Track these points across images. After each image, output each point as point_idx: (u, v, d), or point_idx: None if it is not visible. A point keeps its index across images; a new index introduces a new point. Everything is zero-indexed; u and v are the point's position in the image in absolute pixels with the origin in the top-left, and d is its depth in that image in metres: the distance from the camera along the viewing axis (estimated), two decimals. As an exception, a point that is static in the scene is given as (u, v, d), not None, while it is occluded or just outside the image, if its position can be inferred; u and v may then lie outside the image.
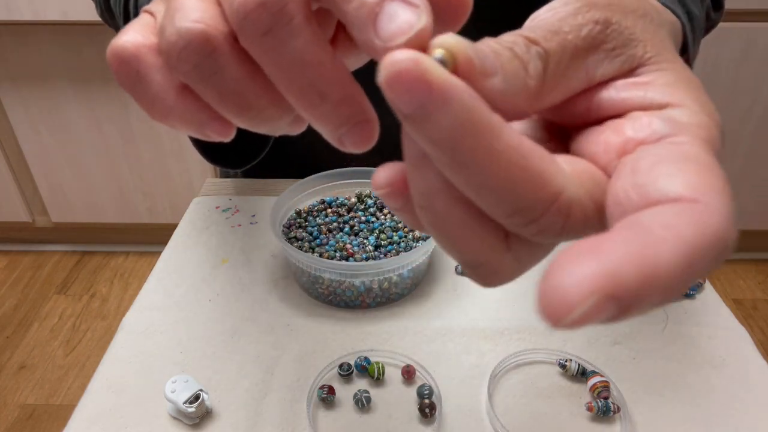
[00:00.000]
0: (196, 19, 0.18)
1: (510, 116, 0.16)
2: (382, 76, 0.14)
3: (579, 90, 0.18)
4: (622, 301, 0.13)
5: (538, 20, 0.18)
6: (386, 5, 0.15)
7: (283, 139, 0.69)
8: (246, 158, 0.55)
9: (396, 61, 0.14)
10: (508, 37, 0.17)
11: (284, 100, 0.19)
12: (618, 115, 0.18)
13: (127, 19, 0.49)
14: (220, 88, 0.19)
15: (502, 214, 0.15)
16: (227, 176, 0.78)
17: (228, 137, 0.21)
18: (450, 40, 0.15)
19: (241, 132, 0.23)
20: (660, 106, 0.17)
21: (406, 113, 0.14)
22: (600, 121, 0.18)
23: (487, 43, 0.16)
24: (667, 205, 0.14)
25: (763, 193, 1.64)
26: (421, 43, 0.15)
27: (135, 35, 0.20)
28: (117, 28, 0.54)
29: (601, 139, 0.18)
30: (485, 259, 0.17)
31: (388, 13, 0.15)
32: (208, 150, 0.55)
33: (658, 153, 0.16)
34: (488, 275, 0.18)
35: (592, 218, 0.16)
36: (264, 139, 0.55)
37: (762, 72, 1.44)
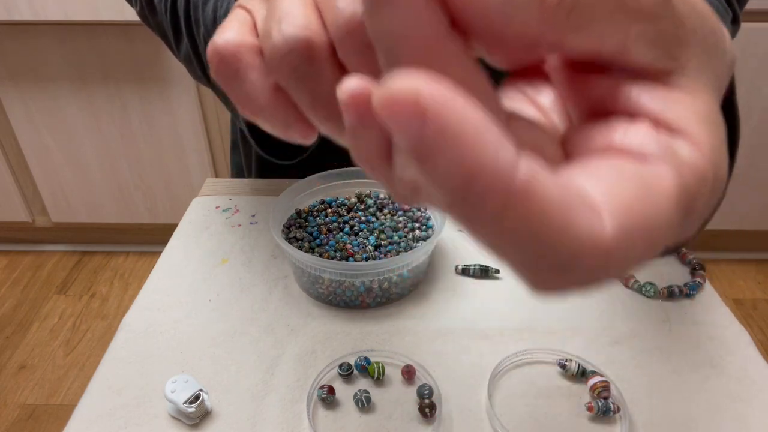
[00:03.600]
0: (302, 25, 0.18)
1: (513, 35, 0.14)
2: None
3: (608, 52, 0.15)
4: None
5: None
6: None
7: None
8: (296, 151, 0.53)
9: None
10: None
11: None
12: (628, 115, 0.16)
13: (174, 15, 0.48)
14: (314, 94, 0.19)
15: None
16: (240, 176, 0.79)
17: (310, 140, 0.21)
18: None
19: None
20: (672, 131, 0.15)
21: None
22: (608, 113, 0.17)
23: None
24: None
25: (763, 193, 1.64)
26: None
27: (235, 34, 0.20)
28: (158, 25, 0.53)
29: (590, 132, 0.16)
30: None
31: None
32: (263, 142, 0.53)
33: (623, 168, 0.15)
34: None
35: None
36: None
37: (762, 72, 1.44)
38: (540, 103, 0.19)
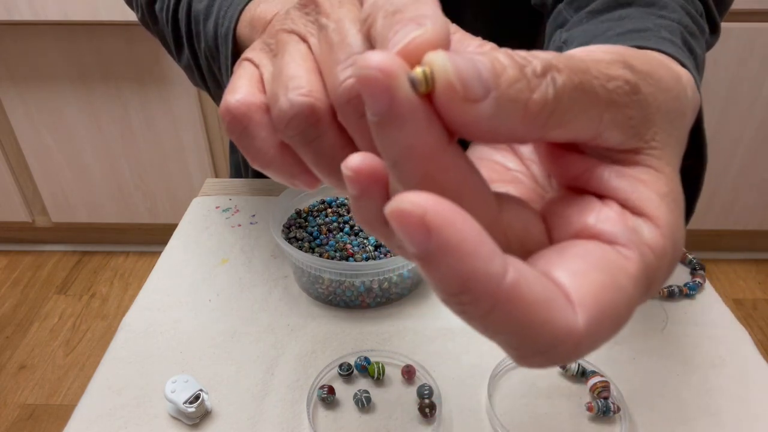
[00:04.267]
0: (306, 92, 0.20)
1: (504, 138, 0.16)
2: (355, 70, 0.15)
3: (582, 139, 0.17)
4: None
5: (569, 55, 0.17)
6: (404, 23, 0.16)
7: None
8: None
9: (368, 63, 0.14)
10: (527, 55, 0.16)
11: None
12: (600, 195, 0.18)
13: (175, 27, 0.49)
14: (318, 152, 0.21)
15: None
16: (239, 176, 0.79)
17: (314, 189, 0.24)
18: (436, 60, 0.15)
19: None
20: (638, 213, 0.18)
21: (371, 112, 0.15)
22: (581, 190, 0.19)
23: (493, 58, 0.15)
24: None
25: (763, 193, 1.64)
26: (415, 54, 0.15)
27: (245, 93, 0.22)
28: (159, 33, 0.54)
29: (567, 212, 0.18)
30: None
31: (403, 28, 0.16)
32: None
33: (593, 255, 0.17)
34: None
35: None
36: None
37: (762, 72, 1.44)
38: (521, 155, 0.22)
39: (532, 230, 0.18)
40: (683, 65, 0.24)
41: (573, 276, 0.16)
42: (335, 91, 0.20)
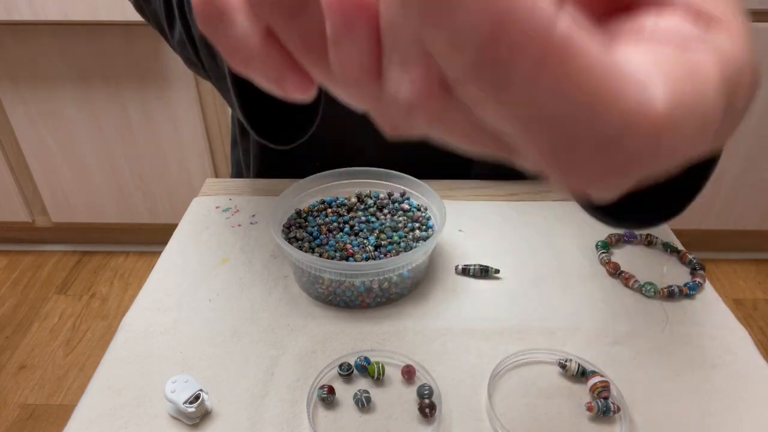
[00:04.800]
0: None
1: None
2: None
3: None
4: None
5: None
6: None
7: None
8: (294, 135, 0.51)
9: None
10: None
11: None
12: (656, 7, 0.15)
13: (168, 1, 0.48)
14: (304, 30, 0.17)
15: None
16: (239, 173, 0.79)
17: (308, 94, 0.19)
18: None
19: (288, 107, 0.20)
20: (709, 21, 0.15)
21: None
22: (634, 6, 0.15)
23: None
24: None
25: (763, 193, 1.64)
26: None
27: None
28: (153, 13, 0.53)
29: (613, 27, 0.15)
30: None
31: None
32: (258, 125, 0.52)
33: (667, 53, 0.13)
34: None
35: None
36: (312, 114, 0.50)
37: (762, 72, 1.44)
38: None
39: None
40: None
41: (648, 55, 0.12)
42: None
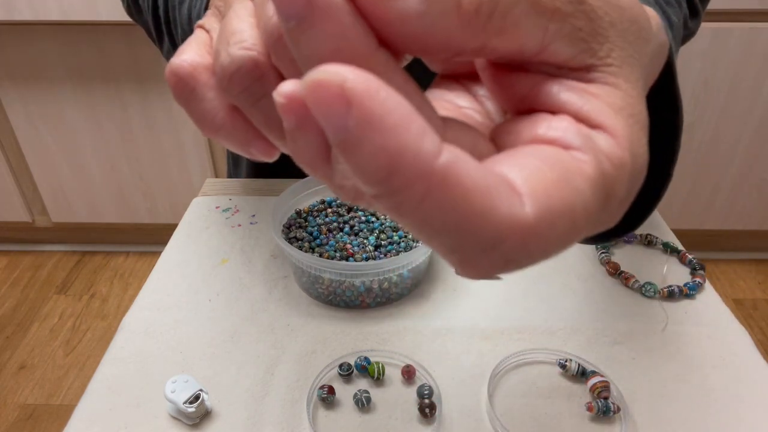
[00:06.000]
0: (248, 46, 0.19)
1: (439, 44, 0.15)
2: None
3: (529, 53, 0.16)
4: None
5: None
6: None
7: None
8: None
9: None
10: None
11: None
12: (550, 111, 0.17)
13: (155, 15, 0.50)
14: (267, 112, 0.20)
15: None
16: (237, 176, 0.79)
17: (271, 158, 0.22)
18: None
19: None
20: (592, 125, 0.16)
21: (286, 17, 0.14)
22: (530, 110, 0.17)
23: None
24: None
25: (763, 193, 1.64)
26: None
27: (192, 54, 0.21)
28: (144, 24, 0.54)
29: (517, 128, 0.17)
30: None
31: None
32: None
33: (545, 154, 0.15)
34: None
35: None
36: None
37: (762, 72, 1.44)
38: (475, 92, 0.20)
39: (480, 149, 0.17)
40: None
41: (522, 170, 0.14)
42: (266, 31, 0.18)
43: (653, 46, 0.20)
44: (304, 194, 0.59)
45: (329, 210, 0.58)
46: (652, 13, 0.21)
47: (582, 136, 0.16)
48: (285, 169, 0.72)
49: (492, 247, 0.14)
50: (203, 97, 0.21)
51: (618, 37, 0.17)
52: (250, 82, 0.19)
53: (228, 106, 0.21)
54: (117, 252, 1.86)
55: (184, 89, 0.21)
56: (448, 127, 0.17)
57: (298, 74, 0.16)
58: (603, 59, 0.17)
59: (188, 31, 0.42)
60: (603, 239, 0.35)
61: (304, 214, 0.58)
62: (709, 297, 0.53)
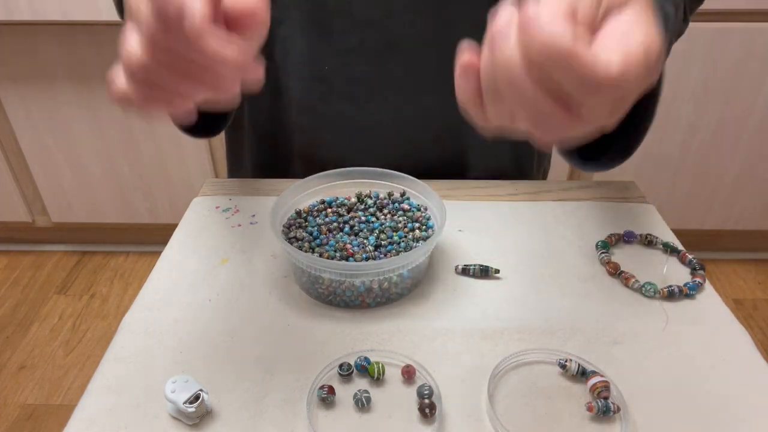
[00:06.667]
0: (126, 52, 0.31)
1: None
2: None
3: None
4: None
5: None
6: None
7: (283, 139, 0.69)
8: (210, 130, 0.61)
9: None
10: None
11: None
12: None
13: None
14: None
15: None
16: (237, 176, 0.79)
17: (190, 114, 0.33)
18: None
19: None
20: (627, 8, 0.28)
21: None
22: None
23: None
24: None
25: (763, 193, 1.64)
26: None
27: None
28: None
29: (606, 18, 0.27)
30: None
31: None
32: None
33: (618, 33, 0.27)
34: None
35: None
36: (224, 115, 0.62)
37: (762, 72, 1.44)
38: None
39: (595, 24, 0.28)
40: None
41: (607, 41, 0.26)
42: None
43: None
44: (304, 194, 0.59)
45: (329, 210, 0.58)
46: None
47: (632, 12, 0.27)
48: (285, 169, 0.72)
49: (601, 91, 0.25)
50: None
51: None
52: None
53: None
54: (117, 252, 1.86)
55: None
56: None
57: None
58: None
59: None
60: (607, 160, 0.48)
61: (304, 214, 0.58)
62: (709, 297, 0.53)
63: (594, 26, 0.26)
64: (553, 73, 0.25)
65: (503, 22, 0.25)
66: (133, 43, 0.30)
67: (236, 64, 0.28)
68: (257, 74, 0.30)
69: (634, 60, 0.25)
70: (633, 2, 0.28)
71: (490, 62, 0.26)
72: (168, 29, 0.28)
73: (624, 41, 0.25)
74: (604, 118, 0.27)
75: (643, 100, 0.42)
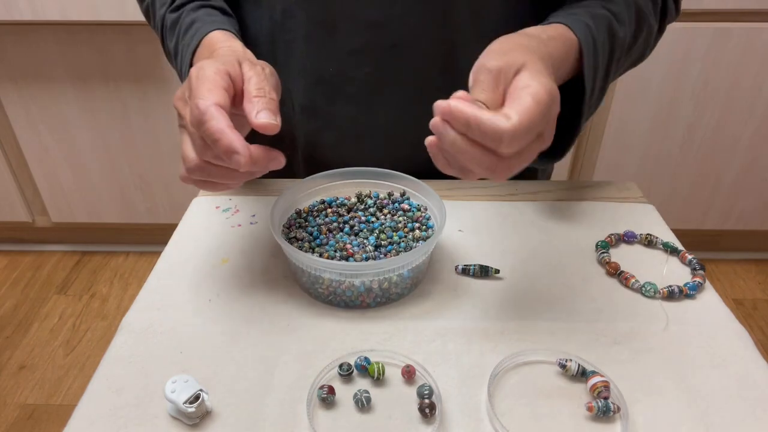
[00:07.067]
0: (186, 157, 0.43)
1: None
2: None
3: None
4: None
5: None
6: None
7: (286, 140, 0.69)
8: None
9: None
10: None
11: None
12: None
13: (157, 30, 0.68)
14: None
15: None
16: None
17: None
18: None
19: None
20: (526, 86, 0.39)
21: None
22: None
23: None
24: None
25: (763, 193, 1.64)
26: None
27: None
28: (155, 29, 0.68)
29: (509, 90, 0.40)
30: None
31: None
32: None
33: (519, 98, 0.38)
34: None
35: None
36: None
37: (762, 72, 1.44)
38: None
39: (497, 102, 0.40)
40: (574, 31, 0.50)
41: (510, 107, 0.37)
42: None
43: (549, 48, 0.45)
44: (304, 194, 0.59)
45: (329, 210, 0.58)
46: (557, 28, 0.50)
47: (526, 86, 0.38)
48: (287, 169, 0.72)
49: (500, 142, 0.36)
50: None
51: (526, 54, 0.41)
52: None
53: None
54: (117, 252, 1.86)
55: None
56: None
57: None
58: (522, 65, 0.40)
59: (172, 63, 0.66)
60: (548, 158, 0.57)
61: (304, 214, 0.58)
62: (709, 297, 0.53)
63: (498, 97, 0.39)
64: (471, 134, 0.37)
65: (437, 119, 0.38)
66: (188, 150, 0.42)
67: (266, 170, 0.43)
68: (281, 164, 0.44)
69: (526, 109, 0.36)
70: (528, 64, 0.39)
71: (440, 138, 0.39)
72: (218, 158, 0.41)
73: (517, 98, 0.37)
74: (533, 150, 0.39)
75: (569, 115, 0.54)
